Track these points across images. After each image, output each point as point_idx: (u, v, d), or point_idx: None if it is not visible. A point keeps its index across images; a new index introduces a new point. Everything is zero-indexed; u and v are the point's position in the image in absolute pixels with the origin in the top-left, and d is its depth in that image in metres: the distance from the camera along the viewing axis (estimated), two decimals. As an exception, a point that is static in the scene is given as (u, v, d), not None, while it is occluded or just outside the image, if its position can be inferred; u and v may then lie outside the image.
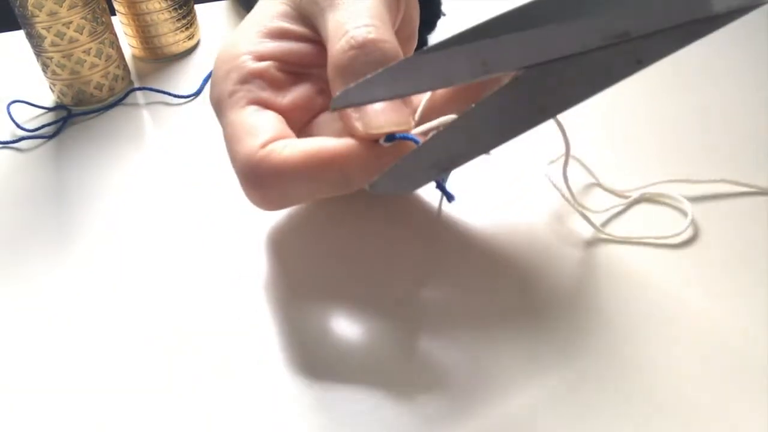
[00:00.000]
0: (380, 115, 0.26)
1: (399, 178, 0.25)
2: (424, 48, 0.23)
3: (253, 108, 0.28)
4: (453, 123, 0.24)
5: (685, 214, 0.34)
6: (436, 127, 0.26)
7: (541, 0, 0.23)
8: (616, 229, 0.33)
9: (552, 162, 0.36)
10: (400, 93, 0.24)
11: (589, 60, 0.23)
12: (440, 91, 0.28)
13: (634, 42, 0.23)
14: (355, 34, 0.26)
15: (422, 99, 0.28)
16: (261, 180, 0.27)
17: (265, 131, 0.27)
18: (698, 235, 0.33)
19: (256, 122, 0.28)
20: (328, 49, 0.27)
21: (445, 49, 0.23)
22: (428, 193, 0.36)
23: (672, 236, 0.33)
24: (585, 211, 0.33)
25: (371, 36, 0.26)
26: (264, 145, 0.27)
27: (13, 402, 0.29)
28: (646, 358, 0.28)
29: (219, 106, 0.29)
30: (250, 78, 0.29)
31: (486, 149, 0.25)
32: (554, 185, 0.34)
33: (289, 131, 0.28)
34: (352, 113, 0.26)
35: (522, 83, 0.23)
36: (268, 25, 0.30)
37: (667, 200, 0.35)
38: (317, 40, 0.30)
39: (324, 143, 0.26)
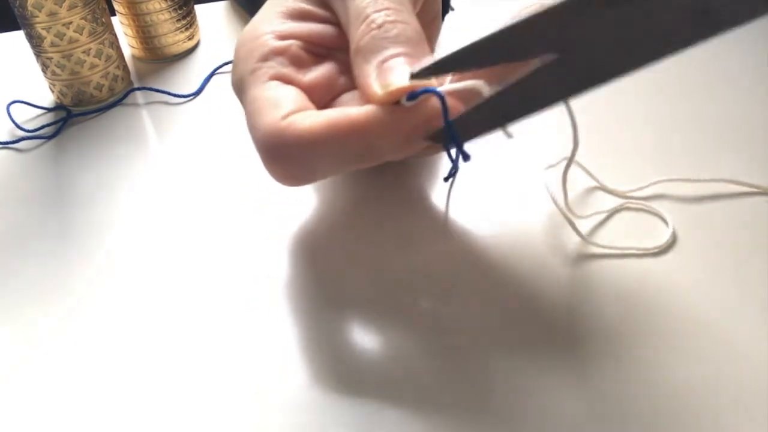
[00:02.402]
0: (399, 73, 0.25)
1: (457, 129, 0.25)
2: (502, 25, 0.23)
3: (274, 83, 0.28)
4: (512, 83, 0.24)
5: (684, 214, 0.34)
6: (463, 89, 0.25)
7: None
8: (614, 229, 0.33)
9: (551, 167, 0.36)
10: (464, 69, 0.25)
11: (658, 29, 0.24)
12: None
13: (709, 15, 0.23)
14: (374, 17, 0.27)
15: None
16: (282, 152, 0.26)
17: (287, 103, 0.27)
18: (698, 235, 0.33)
19: (278, 95, 0.27)
20: (348, 33, 0.28)
21: (518, 26, 0.23)
22: (441, 197, 0.36)
23: (668, 239, 0.33)
24: (576, 219, 0.33)
25: (390, 18, 0.27)
26: (286, 117, 0.26)
27: (11, 402, 0.29)
28: (643, 363, 0.28)
29: (240, 85, 0.29)
30: (271, 55, 0.29)
31: (539, 109, 0.25)
32: (550, 194, 0.34)
33: (311, 105, 0.28)
34: (369, 79, 0.26)
35: (583, 53, 0.24)
36: (290, 6, 0.30)
37: (668, 200, 0.34)
38: (338, 22, 0.30)
39: (346, 111, 0.26)
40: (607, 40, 0.24)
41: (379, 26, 0.26)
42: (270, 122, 0.26)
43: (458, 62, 0.25)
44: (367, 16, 0.27)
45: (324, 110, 0.27)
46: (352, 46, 0.27)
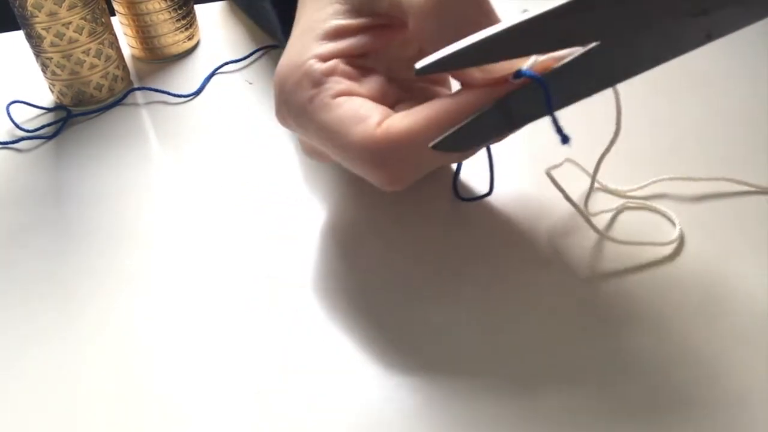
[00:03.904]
0: None
1: (463, 137, 0.26)
2: (515, 21, 0.24)
3: (341, 99, 0.28)
4: (519, 87, 0.25)
5: (685, 213, 0.33)
6: (563, 57, 0.25)
7: None
8: (617, 230, 0.33)
9: (554, 167, 0.35)
10: (490, 58, 0.25)
11: (661, 33, 0.24)
12: None
13: (708, 17, 0.24)
14: None
15: None
16: (388, 156, 0.26)
17: (370, 112, 0.27)
18: (696, 234, 0.33)
19: (354, 108, 0.27)
20: (405, 4, 0.27)
21: (533, 21, 0.24)
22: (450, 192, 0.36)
23: (675, 238, 0.32)
24: (589, 216, 0.33)
25: None
26: (379, 124, 0.26)
27: (10, 402, 0.29)
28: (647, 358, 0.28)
29: (301, 116, 0.29)
30: (323, 78, 0.28)
31: (547, 113, 0.25)
32: (560, 189, 0.34)
33: (389, 110, 0.28)
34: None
35: (593, 54, 0.24)
36: (324, 28, 0.29)
37: (668, 199, 0.34)
38: (372, 26, 0.29)
39: (444, 103, 0.26)
40: (641, 32, 0.24)
41: None
42: (364, 133, 0.26)
43: (470, 56, 0.25)
44: None
45: (416, 108, 0.27)
46: (417, 7, 0.26)
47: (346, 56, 0.29)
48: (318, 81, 0.28)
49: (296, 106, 0.29)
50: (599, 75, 0.25)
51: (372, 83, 0.29)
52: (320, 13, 0.30)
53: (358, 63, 0.30)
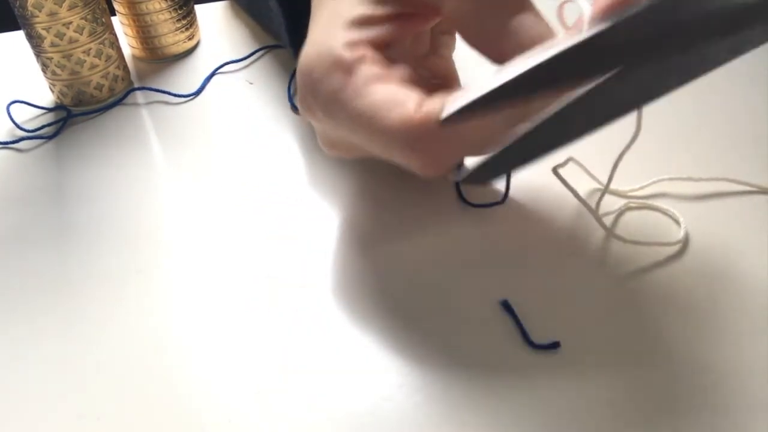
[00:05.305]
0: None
1: (485, 171, 0.25)
2: (542, 52, 0.23)
3: (375, 86, 0.27)
4: (544, 119, 0.24)
5: (686, 212, 0.33)
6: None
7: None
8: (622, 229, 0.33)
9: (559, 166, 0.35)
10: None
11: (693, 54, 0.24)
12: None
13: (736, 36, 0.25)
14: None
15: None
16: (427, 140, 0.26)
17: (408, 96, 0.26)
18: (698, 234, 0.33)
19: (391, 93, 0.27)
20: None
21: (568, 50, 0.23)
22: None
23: (677, 240, 0.32)
24: (595, 213, 0.33)
25: None
26: (419, 108, 0.26)
27: (9, 402, 0.29)
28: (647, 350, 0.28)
29: (332, 105, 0.28)
30: (355, 66, 0.28)
31: (574, 140, 0.25)
32: (569, 188, 0.33)
33: (426, 94, 0.27)
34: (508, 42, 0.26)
35: (618, 79, 0.24)
36: (351, 17, 0.29)
37: (669, 199, 0.34)
38: (398, 14, 0.29)
39: (486, 83, 0.25)
40: (673, 55, 0.24)
41: None
42: (403, 117, 0.26)
43: (492, 101, 0.24)
44: None
45: (460, 91, 0.26)
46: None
47: (373, 45, 0.29)
48: (349, 68, 0.27)
49: (326, 95, 0.28)
50: (626, 98, 0.25)
51: (401, 71, 0.29)
52: (345, 2, 0.29)
53: (384, 53, 0.29)
